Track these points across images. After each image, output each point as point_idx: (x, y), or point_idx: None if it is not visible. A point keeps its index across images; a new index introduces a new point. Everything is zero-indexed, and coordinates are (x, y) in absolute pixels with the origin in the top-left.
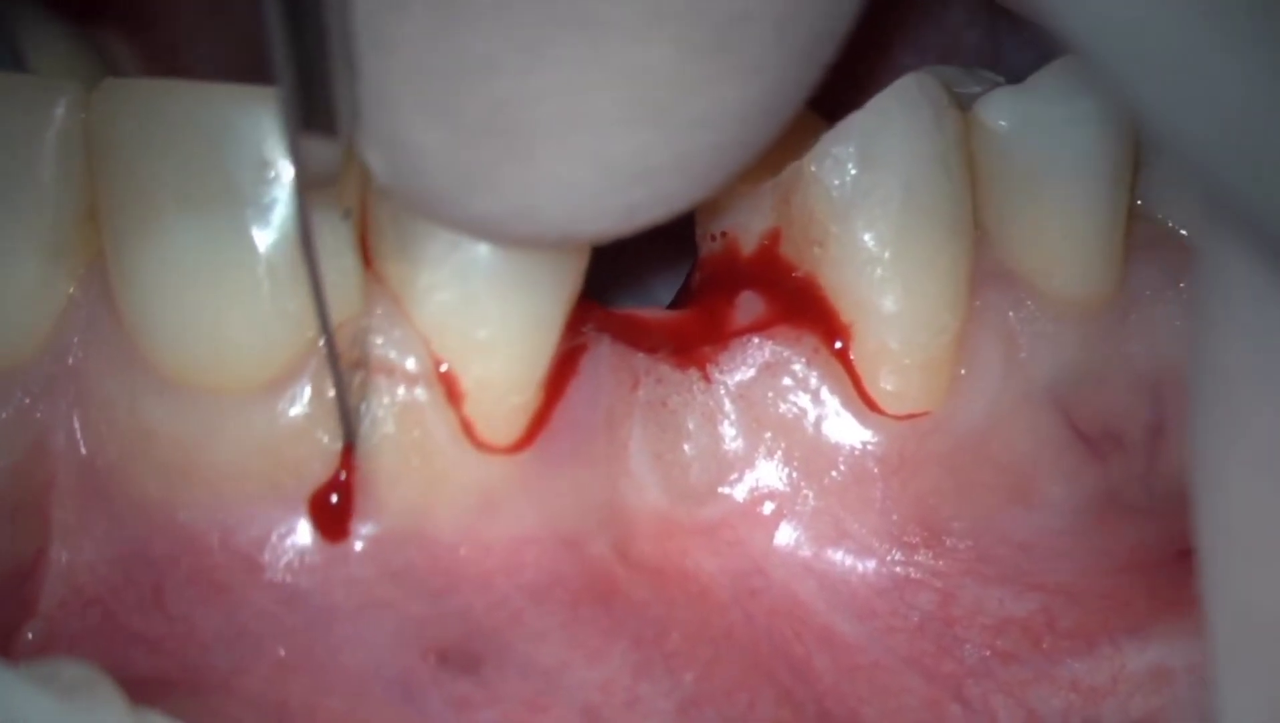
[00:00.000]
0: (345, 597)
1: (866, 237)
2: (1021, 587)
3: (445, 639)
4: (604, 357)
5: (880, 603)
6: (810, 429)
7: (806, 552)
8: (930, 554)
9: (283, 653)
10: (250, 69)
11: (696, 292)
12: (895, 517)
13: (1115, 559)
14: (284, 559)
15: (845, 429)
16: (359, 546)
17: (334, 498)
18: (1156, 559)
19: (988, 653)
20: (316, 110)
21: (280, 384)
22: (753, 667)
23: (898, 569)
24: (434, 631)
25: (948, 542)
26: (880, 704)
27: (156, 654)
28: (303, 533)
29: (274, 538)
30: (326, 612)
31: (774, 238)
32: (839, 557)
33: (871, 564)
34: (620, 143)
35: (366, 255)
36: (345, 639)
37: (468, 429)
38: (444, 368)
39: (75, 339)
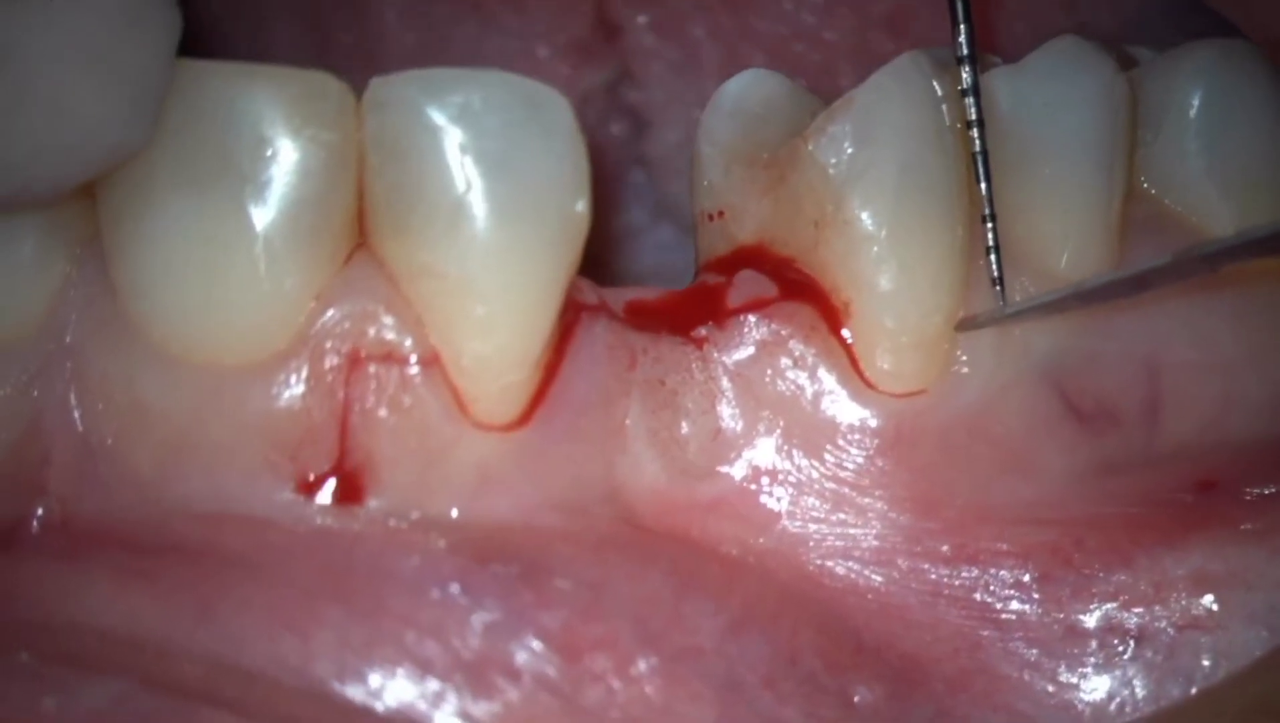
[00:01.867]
0: (371, 532)
1: (863, 215)
2: (1035, 525)
3: (488, 553)
4: (601, 335)
5: (896, 560)
6: (808, 407)
7: (810, 526)
8: (935, 522)
9: (328, 560)
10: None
11: (694, 270)
12: (895, 491)
13: (1130, 501)
14: (289, 529)
15: (842, 407)
16: (362, 519)
17: (332, 478)
18: (1173, 495)
19: (1023, 577)
20: None
21: (277, 362)
22: (791, 601)
23: (905, 534)
24: (474, 547)
25: (949, 512)
26: (915, 638)
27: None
28: (306, 507)
29: (275, 513)
30: (356, 539)
31: (771, 216)
32: (843, 530)
33: (877, 533)
34: None
35: (363, 234)
36: (386, 551)
37: (464, 408)
38: (440, 346)
39: (72, 317)
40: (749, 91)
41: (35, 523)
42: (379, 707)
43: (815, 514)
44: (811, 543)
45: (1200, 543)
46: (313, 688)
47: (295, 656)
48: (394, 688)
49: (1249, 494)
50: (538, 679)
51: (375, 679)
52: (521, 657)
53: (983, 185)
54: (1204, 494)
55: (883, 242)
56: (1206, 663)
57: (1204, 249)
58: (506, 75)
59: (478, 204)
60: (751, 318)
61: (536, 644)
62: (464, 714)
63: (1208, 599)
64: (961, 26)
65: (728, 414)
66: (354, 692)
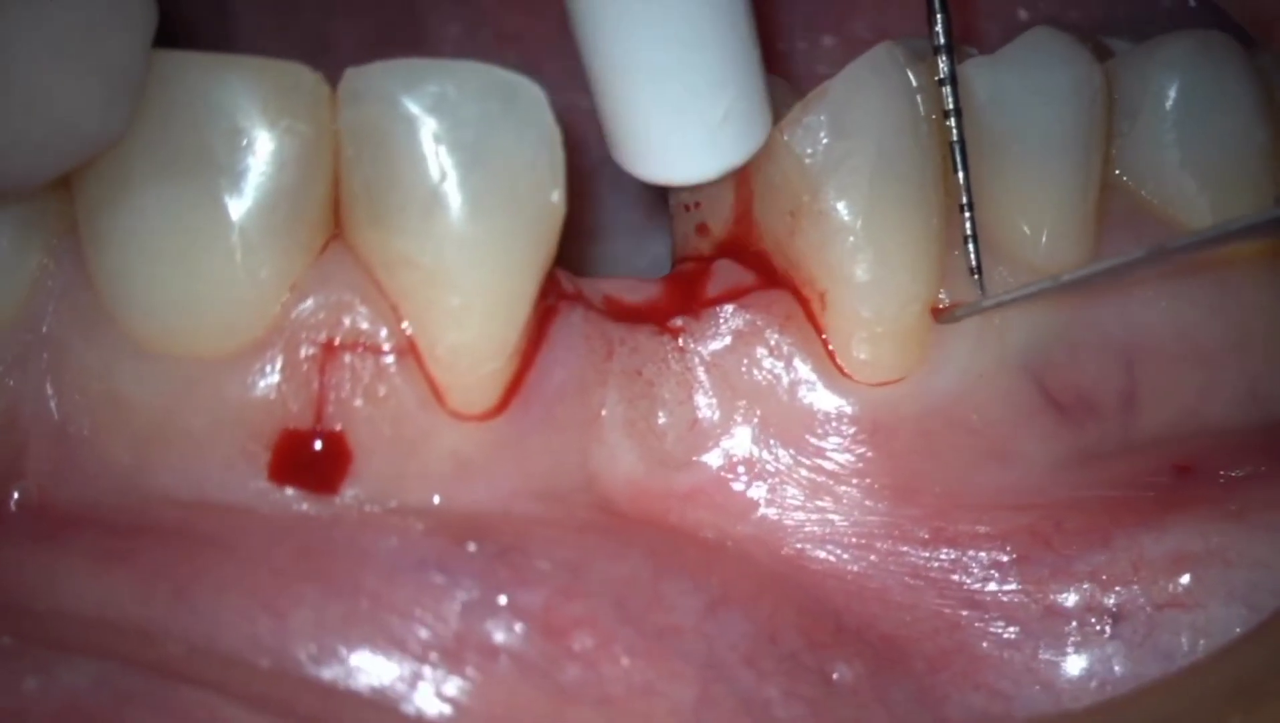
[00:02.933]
0: (348, 516)
1: (839, 205)
2: (1015, 509)
3: (465, 533)
4: (577, 325)
5: (874, 544)
6: (784, 397)
7: (787, 515)
8: (913, 508)
9: (305, 542)
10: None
11: (671, 261)
12: (873, 479)
13: (1108, 486)
14: (266, 515)
15: (819, 397)
16: (338, 507)
17: (308, 468)
18: (1151, 479)
19: (1002, 558)
20: None
21: (252, 352)
22: (770, 582)
23: (884, 520)
24: (452, 529)
25: (927, 499)
26: (895, 618)
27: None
28: (282, 495)
29: (252, 501)
30: (333, 523)
31: (747, 207)
32: (821, 517)
33: (856, 519)
34: None
35: (338, 225)
36: (363, 533)
37: (439, 397)
38: (415, 336)
39: (49, 308)
40: None
41: (13, 505)
42: (356, 687)
43: (793, 502)
44: (790, 529)
45: (1178, 523)
46: (290, 670)
47: (272, 637)
48: (371, 668)
49: (1226, 477)
50: (516, 658)
51: (352, 660)
52: (500, 636)
53: (960, 174)
54: (1182, 477)
55: (858, 232)
56: (1185, 641)
57: (1183, 241)
58: (482, 65)
59: (453, 194)
60: (728, 308)
61: (515, 624)
62: (442, 694)
63: (1186, 578)
64: (939, 16)
65: (705, 404)
66: (331, 672)
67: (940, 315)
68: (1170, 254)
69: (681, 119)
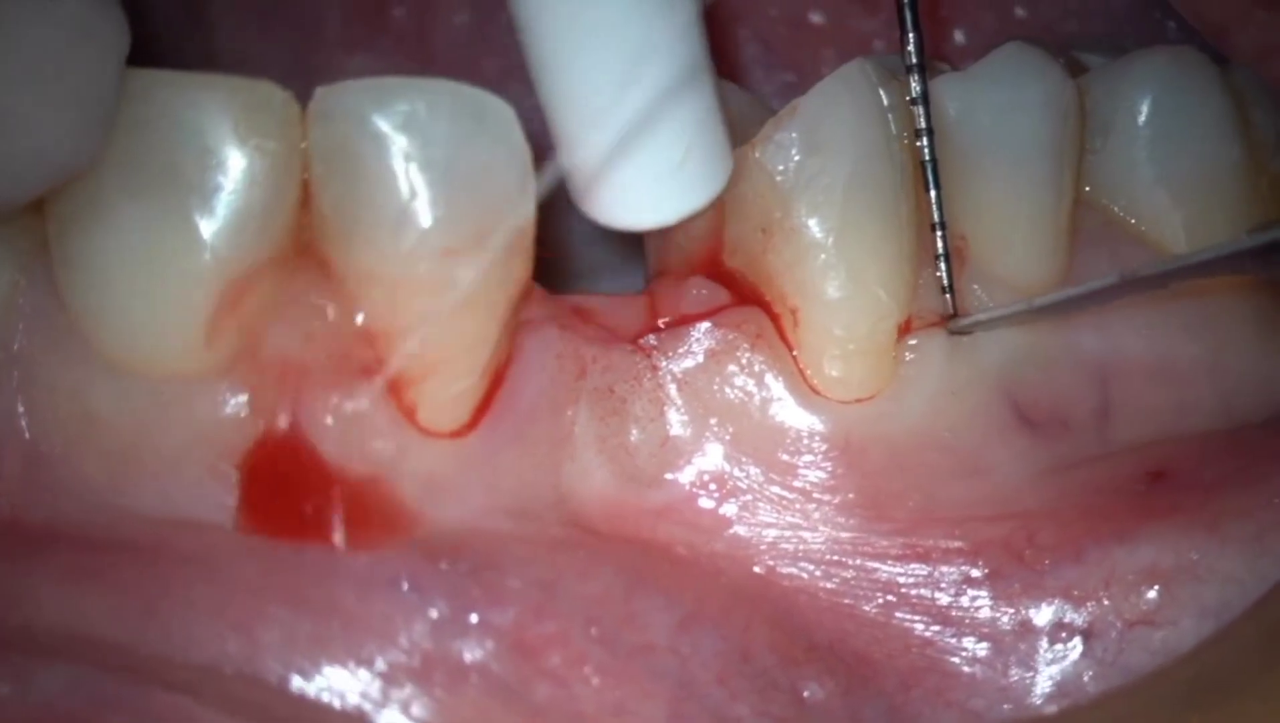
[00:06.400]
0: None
1: (811, 222)
2: (988, 520)
3: (438, 552)
4: (550, 343)
5: (846, 561)
6: (756, 415)
7: (760, 531)
8: (885, 524)
9: (276, 559)
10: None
11: (645, 279)
12: (845, 496)
13: (1082, 494)
14: (237, 533)
15: (791, 414)
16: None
17: (277, 486)
18: (1126, 486)
19: (974, 573)
20: None
21: (222, 371)
22: (743, 599)
23: (855, 536)
24: (423, 546)
25: (899, 515)
26: (867, 635)
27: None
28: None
29: (223, 519)
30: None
31: (719, 224)
32: (793, 533)
33: (827, 536)
34: None
35: (309, 243)
36: (334, 550)
37: (410, 415)
38: (386, 353)
39: (20, 326)
40: None
41: None
42: (326, 704)
43: (765, 519)
44: (763, 547)
45: (1151, 534)
46: (262, 683)
47: (241, 655)
48: (340, 686)
49: (1200, 481)
50: (487, 677)
51: (322, 679)
52: (471, 655)
53: (932, 193)
54: (1156, 482)
55: (830, 249)
56: (1156, 660)
57: (1160, 267)
58: (453, 84)
59: (423, 212)
60: (700, 326)
61: (487, 642)
62: (412, 713)
63: (1158, 594)
64: (910, 35)
65: (676, 421)
66: (299, 690)
67: (950, 326)
68: (1143, 282)
69: (638, 163)
